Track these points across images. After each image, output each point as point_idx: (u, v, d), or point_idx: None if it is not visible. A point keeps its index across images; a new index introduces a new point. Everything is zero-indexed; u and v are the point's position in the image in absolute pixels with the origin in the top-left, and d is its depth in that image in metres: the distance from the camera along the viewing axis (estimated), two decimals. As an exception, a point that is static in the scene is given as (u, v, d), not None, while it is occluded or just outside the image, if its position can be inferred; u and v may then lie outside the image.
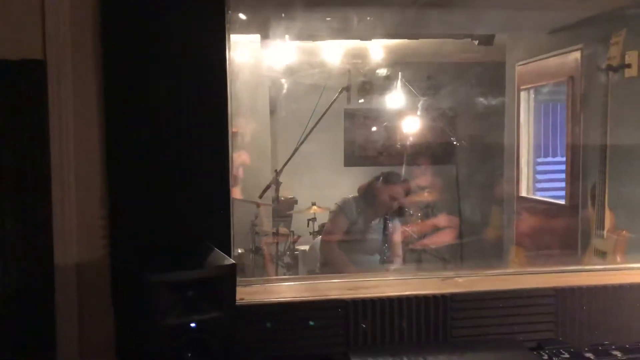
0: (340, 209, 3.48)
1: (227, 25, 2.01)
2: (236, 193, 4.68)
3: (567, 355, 1.91)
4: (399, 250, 3.64)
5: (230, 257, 1.95)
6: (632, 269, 2.43)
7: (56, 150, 1.87)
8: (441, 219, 4.39)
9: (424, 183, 4.83)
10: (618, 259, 2.72)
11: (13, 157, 1.83)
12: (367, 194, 3.49)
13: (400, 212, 3.62)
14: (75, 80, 1.87)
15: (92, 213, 1.92)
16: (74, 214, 1.90)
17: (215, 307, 1.54)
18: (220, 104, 1.96)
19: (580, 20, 3.33)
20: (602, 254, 2.85)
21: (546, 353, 1.93)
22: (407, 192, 3.69)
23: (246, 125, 4.76)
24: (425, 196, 4.81)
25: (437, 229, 4.37)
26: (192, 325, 1.51)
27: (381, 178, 3.54)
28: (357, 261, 3.44)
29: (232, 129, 2.07)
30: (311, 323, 2.02)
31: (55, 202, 1.87)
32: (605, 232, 2.86)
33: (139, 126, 1.91)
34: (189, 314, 1.51)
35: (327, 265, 3.48)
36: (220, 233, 1.96)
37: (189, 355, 1.53)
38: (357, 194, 3.60)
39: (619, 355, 1.90)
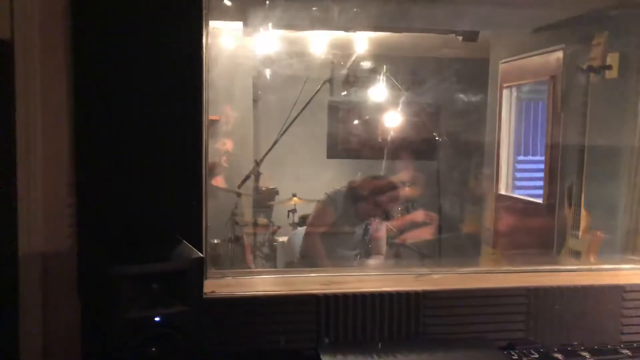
0: (330, 200, 3.45)
1: (205, 11, 1.95)
2: (219, 181, 4.64)
3: (536, 355, 1.91)
4: (382, 249, 3.63)
5: (202, 248, 1.91)
6: (605, 269, 2.45)
7: (22, 135, 1.80)
8: (419, 215, 4.39)
9: (405, 178, 4.82)
10: (592, 259, 2.75)
11: (-24, 141, 1.76)
12: (358, 192, 3.47)
13: (386, 216, 3.61)
14: (43, 62, 1.81)
15: (59, 200, 1.86)
16: (39, 200, 1.84)
17: (181, 301, 1.51)
18: (195, 91, 1.90)
19: (563, 20, 3.33)
20: (576, 254, 2.87)
21: (516, 353, 1.93)
22: (397, 200, 3.70)
23: (228, 114, 4.70)
24: (407, 191, 4.81)
25: (415, 224, 4.37)
26: (157, 319, 1.47)
27: (375, 180, 3.52)
28: (338, 255, 3.42)
29: (208, 116, 2.03)
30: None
31: (21, 188, 1.81)
32: (580, 232, 2.88)
33: (109, 111, 1.85)
34: (153, 307, 1.48)
35: (307, 256, 3.45)
36: (192, 224, 1.93)
37: (153, 349, 1.49)
38: (345, 188, 3.57)
39: (587, 356, 1.92)
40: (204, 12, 1.95)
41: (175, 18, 1.87)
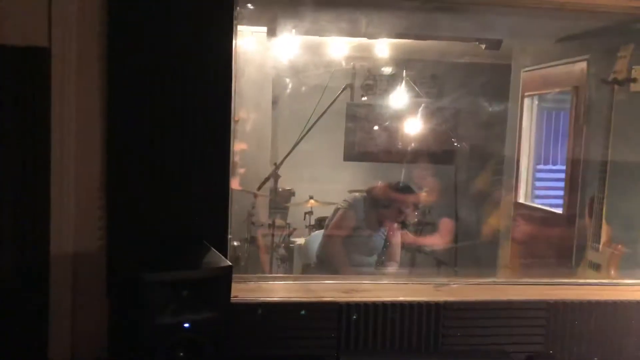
0: (350, 206, 3.47)
1: (235, 16, 1.99)
2: (234, 183, 4.67)
3: (556, 370, 1.92)
4: (397, 255, 3.64)
5: (227, 252, 1.95)
6: (626, 284, 2.44)
7: (57, 139, 1.86)
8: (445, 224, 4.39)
9: (422, 183, 4.82)
10: (612, 272, 2.73)
11: (14, 144, 1.82)
12: (378, 198, 3.48)
13: (405, 223, 3.62)
14: (79, 69, 1.86)
15: (90, 203, 1.91)
16: (72, 203, 1.89)
17: (209, 308, 1.55)
18: (225, 95, 1.95)
19: (588, 30, 3.30)
20: (596, 267, 2.86)
21: (535, 366, 1.94)
22: (417, 206, 3.69)
23: (248, 115, 4.73)
24: (423, 197, 4.80)
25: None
26: (186, 325, 1.51)
27: (395, 188, 3.53)
28: (354, 260, 3.43)
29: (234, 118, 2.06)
30: (302, 312, 2.01)
31: (54, 191, 1.87)
32: (600, 245, 2.87)
33: (142, 117, 1.90)
34: (183, 313, 1.52)
35: (326, 261, 3.47)
36: (218, 228, 1.96)
37: (181, 354, 1.53)
38: (363, 194, 3.58)
39: (608, 372, 1.92)
40: (235, 17, 1.98)
41: (208, 25, 1.90)
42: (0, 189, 1.81)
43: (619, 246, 2.82)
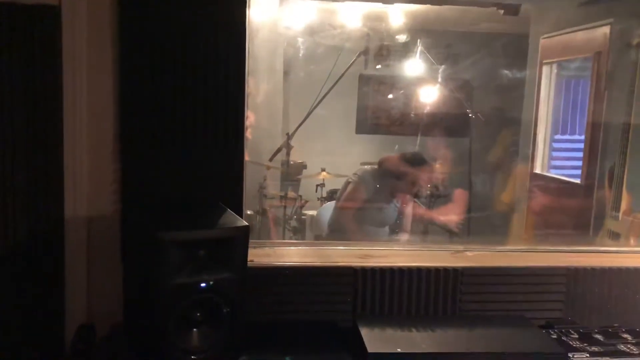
0: (361, 180, 3.43)
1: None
2: (249, 154, 4.63)
3: (576, 335, 1.89)
4: (408, 226, 3.61)
5: (242, 217, 1.93)
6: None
7: (69, 100, 1.82)
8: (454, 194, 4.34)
9: (435, 154, 4.76)
10: (632, 241, 2.68)
11: (25, 107, 1.79)
12: (389, 170, 3.43)
13: (417, 194, 3.57)
14: (89, 28, 1.81)
15: (104, 166, 1.89)
16: (85, 166, 1.87)
17: (226, 268, 1.53)
18: (238, 62, 1.90)
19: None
20: (615, 236, 2.81)
21: (555, 332, 1.91)
22: (430, 178, 3.64)
23: (259, 86, 4.67)
24: (437, 168, 4.75)
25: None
26: (202, 285, 1.49)
27: (407, 159, 3.46)
28: (367, 232, 3.42)
29: (247, 87, 2.02)
30: None
31: (67, 153, 1.84)
32: (620, 214, 2.81)
33: (154, 78, 1.85)
34: (199, 273, 1.50)
35: (338, 232, 3.46)
36: (232, 194, 1.94)
37: (197, 314, 1.52)
38: (376, 166, 3.54)
39: (629, 338, 1.88)
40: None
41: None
42: (11, 152, 1.78)
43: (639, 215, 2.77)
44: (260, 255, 2.08)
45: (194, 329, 1.52)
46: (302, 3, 3.97)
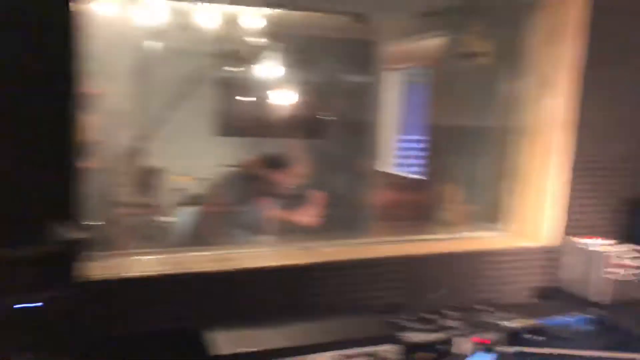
0: (223, 182, 3.40)
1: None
2: (95, 161, 4.33)
3: (412, 317, 2.08)
4: (274, 227, 3.66)
5: (81, 230, 1.78)
6: (469, 237, 2.70)
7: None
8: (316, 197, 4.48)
9: (294, 156, 4.87)
10: (460, 229, 3.00)
11: None
12: (250, 172, 3.44)
13: (280, 195, 3.62)
14: None
15: None
16: None
17: (56, 286, 1.42)
18: (63, 60, 1.76)
19: (448, 7, 3.52)
20: (447, 225, 3.13)
21: (393, 316, 2.08)
22: (288, 180, 3.70)
23: (108, 88, 4.40)
24: (294, 170, 4.84)
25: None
26: (35, 305, 1.37)
27: (266, 161, 3.49)
28: (232, 236, 3.40)
29: (83, 90, 1.88)
30: None
31: None
32: (451, 205, 3.15)
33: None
34: (29, 292, 1.38)
35: (200, 237, 3.39)
36: (65, 205, 1.77)
37: (25, 336, 1.40)
38: (236, 168, 3.52)
39: (455, 314, 2.12)
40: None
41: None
42: None
43: (466, 205, 3.13)
44: (107, 267, 1.95)
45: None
46: (155, 3, 3.83)
